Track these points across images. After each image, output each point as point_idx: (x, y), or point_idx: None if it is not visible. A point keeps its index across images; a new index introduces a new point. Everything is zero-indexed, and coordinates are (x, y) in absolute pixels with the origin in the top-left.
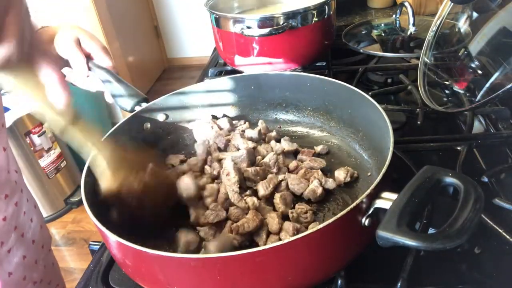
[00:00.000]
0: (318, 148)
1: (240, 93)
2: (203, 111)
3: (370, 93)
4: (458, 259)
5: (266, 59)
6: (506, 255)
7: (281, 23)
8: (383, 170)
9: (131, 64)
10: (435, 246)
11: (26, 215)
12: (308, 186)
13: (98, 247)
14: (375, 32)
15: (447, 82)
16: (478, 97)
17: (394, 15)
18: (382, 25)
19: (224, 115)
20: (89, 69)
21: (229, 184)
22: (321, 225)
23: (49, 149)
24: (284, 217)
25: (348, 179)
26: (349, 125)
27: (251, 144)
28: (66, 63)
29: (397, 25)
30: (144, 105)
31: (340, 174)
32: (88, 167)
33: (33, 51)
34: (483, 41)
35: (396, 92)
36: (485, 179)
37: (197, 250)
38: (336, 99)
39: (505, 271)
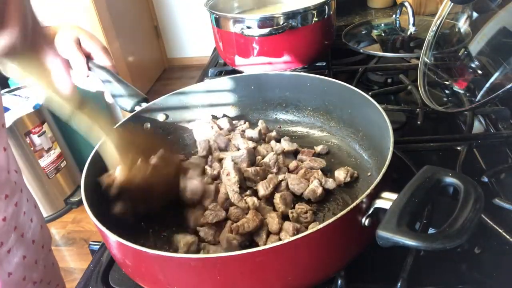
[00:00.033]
0: (318, 148)
1: (240, 93)
2: (203, 111)
3: (370, 93)
4: (458, 259)
5: (266, 59)
6: (506, 255)
7: (281, 23)
8: (383, 170)
9: (131, 64)
10: (435, 246)
11: (26, 215)
12: (308, 186)
13: (98, 247)
14: (375, 32)
15: (447, 82)
16: (478, 97)
17: (394, 15)
18: (382, 25)
19: (224, 115)
20: (89, 69)
21: (229, 184)
22: (321, 225)
23: (49, 149)
24: (284, 217)
25: (348, 179)
26: (349, 125)
27: (251, 144)
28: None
29: (397, 25)
30: (144, 105)
31: (340, 174)
32: (89, 166)
33: (36, 37)
34: (483, 41)
35: (396, 92)
36: (485, 179)
37: (196, 251)
38: (336, 99)
39: (505, 271)
